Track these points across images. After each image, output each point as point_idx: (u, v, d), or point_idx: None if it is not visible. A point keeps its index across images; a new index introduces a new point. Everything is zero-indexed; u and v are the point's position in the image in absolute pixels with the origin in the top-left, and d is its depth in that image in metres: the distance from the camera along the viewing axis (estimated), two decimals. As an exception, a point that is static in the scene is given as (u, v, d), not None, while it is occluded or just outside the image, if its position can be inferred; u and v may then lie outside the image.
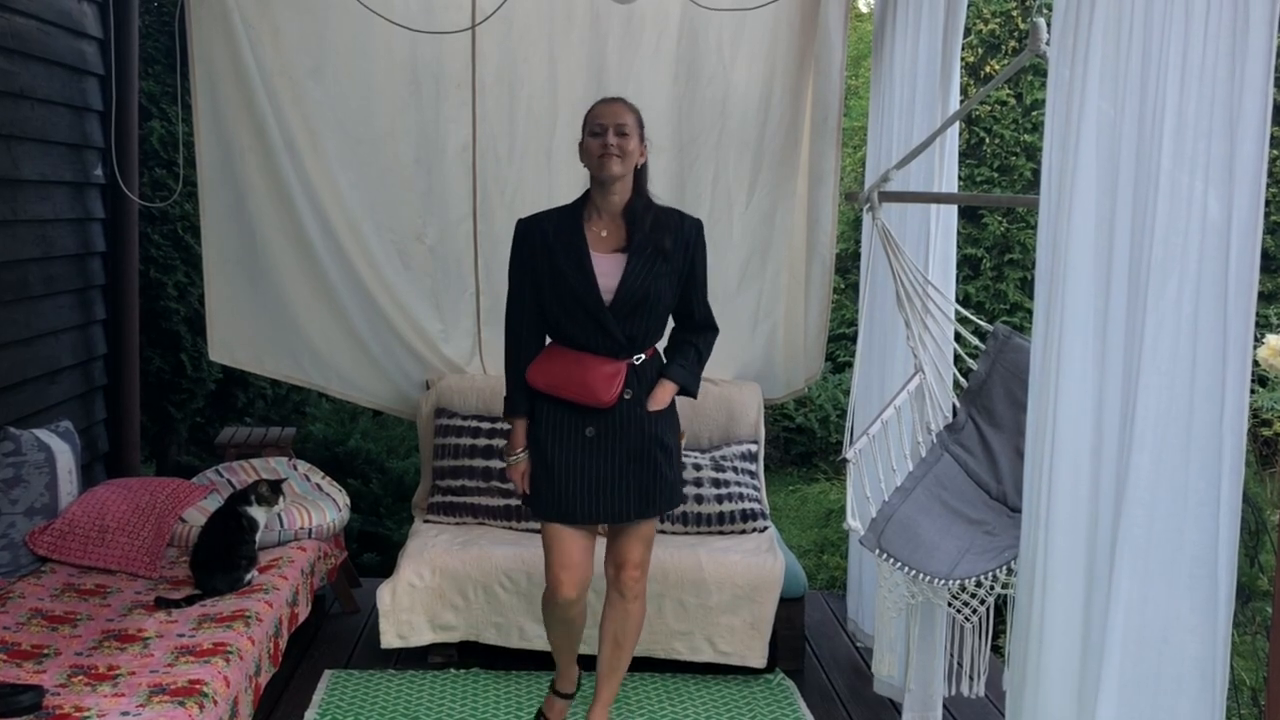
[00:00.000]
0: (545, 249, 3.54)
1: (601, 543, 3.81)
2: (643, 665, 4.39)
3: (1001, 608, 3.55)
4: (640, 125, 3.54)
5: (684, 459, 4.65)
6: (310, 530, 4.52)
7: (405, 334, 5.20)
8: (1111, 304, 2.39)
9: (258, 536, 4.17)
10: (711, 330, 3.76)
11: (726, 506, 4.69)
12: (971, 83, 8.15)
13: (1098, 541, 2.44)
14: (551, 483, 3.59)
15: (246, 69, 4.88)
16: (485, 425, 4.88)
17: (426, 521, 4.83)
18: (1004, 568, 3.34)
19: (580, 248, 3.51)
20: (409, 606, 4.40)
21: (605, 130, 3.47)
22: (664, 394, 3.65)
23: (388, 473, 6.77)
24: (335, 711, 4.10)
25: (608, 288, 3.50)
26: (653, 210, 3.57)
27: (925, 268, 4.04)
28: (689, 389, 3.71)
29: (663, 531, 4.59)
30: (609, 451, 3.58)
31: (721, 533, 4.68)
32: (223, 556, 3.99)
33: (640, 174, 3.57)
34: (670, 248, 3.53)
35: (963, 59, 6.79)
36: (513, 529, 4.72)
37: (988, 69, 8.27)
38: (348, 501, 4.86)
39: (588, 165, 3.53)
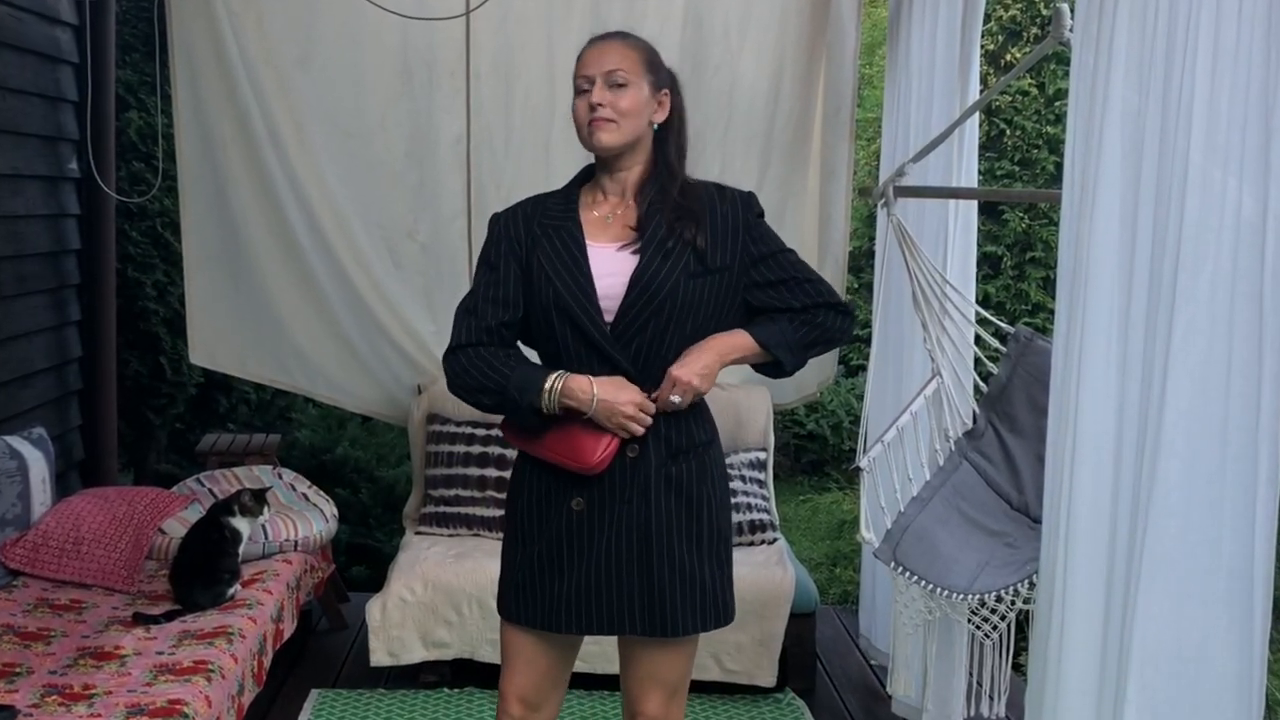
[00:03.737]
0: (530, 244, 2.71)
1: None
2: (646, 684, 4.39)
3: (1023, 624, 3.55)
4: (652, 68, 2.67)
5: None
6: (296, 542, 4.52)
7: (396, 336, 5.20)
8: (1133, 304, 2.39)
9: (241, 549, 4.17)
10: (830, 309, 2.74)
11: (734, 517, 4.69)
12: (991, 72, 8.15)
13: (1120, 554, 2.43)
14: (523, 570, 2.74)
15: (229, 57, 4.88)
16: (480, 432, 4.88)
17: (418, 533, 4.84)
18: (1026, 582, 3.34)
19: (573, 234, 2.67)
20: (400, 622, 4.40)
21: (592, 84, 2.63)
22: (699, 359, 2.63)
23: (377, 482, 6.78)
24: (322, 733, 4.11)
25: (610, 292, 2.63)
26: (678, 186, 2.68)
27: (943, 266, 4.05)
28: (771, 349, 2.70)
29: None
30: (602, 533, 2.66)
31: (728, 545, 4.68)
32: (204, 570, 3.99)
33: (663, 136, 2.72)
34: (705, 242, 2.64)
35: (982, 47, 6.73)
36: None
37: (1008, 57, 8.27)
38: (335, 512, 4.86)
39: (579, 137, 2.70)
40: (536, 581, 2.71)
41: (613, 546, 2.66)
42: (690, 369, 2.62)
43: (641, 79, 2.65)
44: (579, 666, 4.15)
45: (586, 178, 2.78)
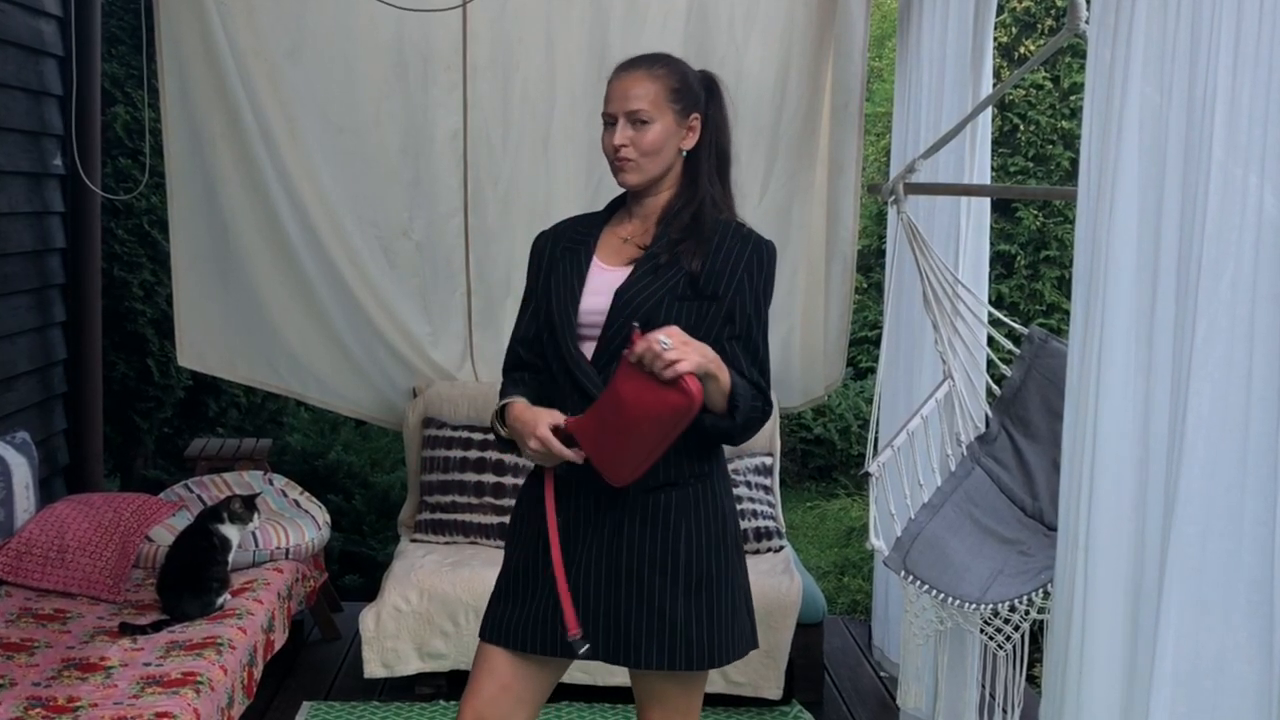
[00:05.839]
0: (550, 265, 2.78)
1: None
2: (648, 697, 4.40)
3: (1037, 634, 3.55)
4: (678, 96, 2.69)
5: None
6: (287, 550, 4.52)
7: (390, 337, 5.20)
8: (1158, 305, 2.39)
9: (230, 557, 4.18)
10: (765, 398, 2.67)
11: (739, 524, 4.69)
12: (1005, 65, 8.15)
13: (1145, 564, 2.43)
14: (499, 587, 2.80)
15: (218, 50, 4.88)
16: (477, 436, 4.88)
17: (413, 540, 4.84)
18: (1040, 591, 3.34)
19: (580, 256, 2.75)
20: (394, 633, 4.41)
21: (615, 121, 2.68)
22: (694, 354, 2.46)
23: (371, 488, 6.78)
24: (314, 747, 4.11)
25: (596, 309, 2.68)
26: (694, 209, 2.71)
27: (955, 266, 4.05)
28: (736, 397, 2.57)
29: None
30: (574, 555, 2.69)
31: (733, 553, 4.68)
32: (192, 579, 3.99)
33: (695, 158, 2.74)
34: (700, 267, 2.64)
35: (996, 39, 6.77)
36: (507, 549, 4.72)
37: (1022, 50, 8.27)
38: (328, 519, 4.87)
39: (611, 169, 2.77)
40: (512, 599, 2.74)
41: (583, 571, 2.67)
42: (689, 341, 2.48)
43: (666, 112, 2.67)
44: (579, 678, 4.20)
45: (623, 200, 2.83)
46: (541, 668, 2.76)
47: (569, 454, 2.57)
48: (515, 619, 2.72)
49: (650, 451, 2.53)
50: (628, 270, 2.69)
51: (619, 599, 2.66)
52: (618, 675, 4.26)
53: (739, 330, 2.67)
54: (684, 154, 2.73)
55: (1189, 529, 2.31)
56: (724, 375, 2.54)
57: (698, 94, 2.74)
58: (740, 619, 2.77)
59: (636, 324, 2.53)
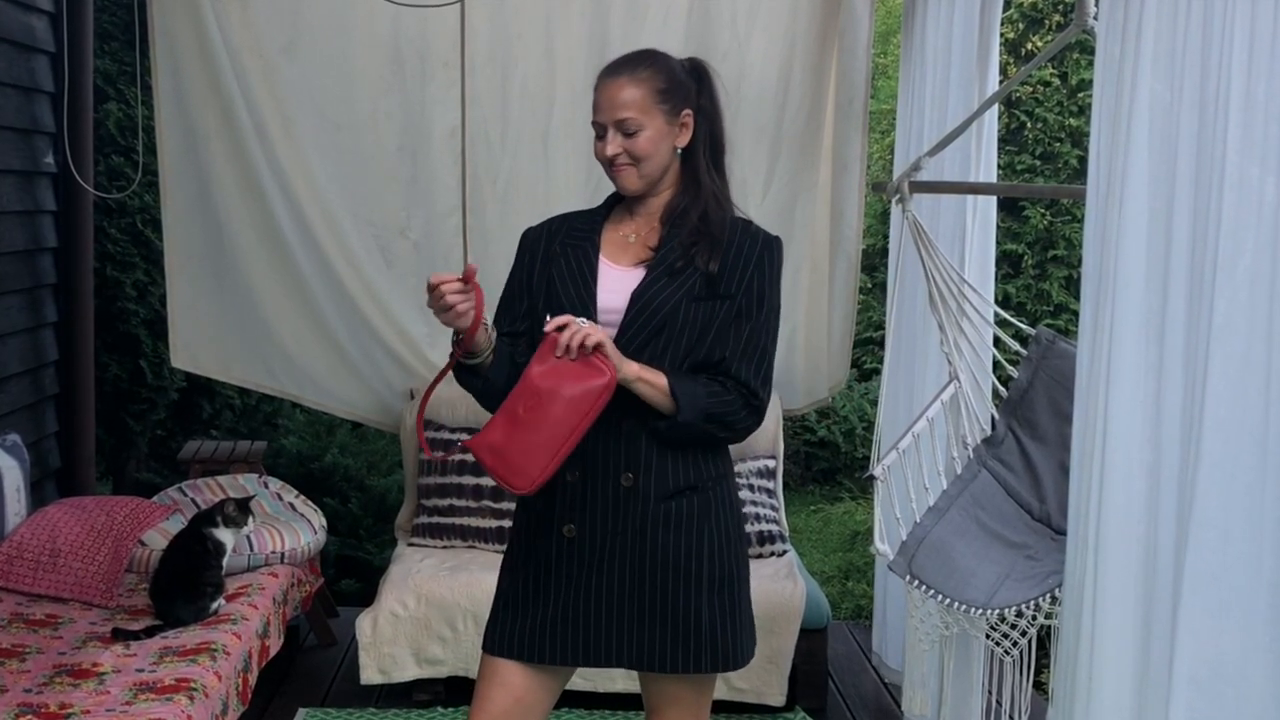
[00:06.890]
0: (546, 259, 2.77)
1: None
2: (649, 703, 4.40)
3: (1044, 640, 3.55)
4: (666, 96, 2.68)
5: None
6: (283, 554, 4.52)
7: (387, 338, 5.20)
8: (1170, 305, 2.39)
9: (225, 561, 4.17)
10: (746, 394, 2.69)
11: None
12: (1012, 61, 8.15)
13: (1158, 568, 2.43)
14: (508, 598, 2.76)
15: (212, 46, 4.88)
16: (475, 438, 4.87)
17: (411, 544, 4.83)
18: (1048, 596, 3.33)
19: (587, 253, 2.74)
20: (392, 638, 4.40)
21: (605, 130, 2.69)
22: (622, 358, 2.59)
23: (368, 491, 6.78)
24: (310, 754, 4.10)
25: (613, 305, 2.68)
26: (701, 207, 2.72)
27: (961, 265, 4.04)
28: (677, 396, 2.61)
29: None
30: (592, 563, 2.68)
31: (736, 557, 4.67)
32: (186, 583, 3.99)
33: (691, 153, 2.74)
34: (717, 268, 2.66)
35: (1002, 35, 6.75)
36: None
37: (1029, 46, 8.27)
38: (324, 522, 4.86)
39: (607, 175, 2.78)
40: (519, 609, 2.72)
41: (603, 578, 2.68)
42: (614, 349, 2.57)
43: (655, 115, 2.67)
44: (580, 685, 4.19)
45: (621, 197, 2.81)
46: (552, 676, 2.77)
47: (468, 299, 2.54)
48: (525, 629, 2.70)
49: (563, 445, 2.57)
50: (639, 270, 2.70)
51: (642, 605, 2.67)
52: (618, 681, 4.26)
53: (744, 336, 2.69)
54: (680, 151, 2.73)
55: (1208, 532, 2.30)
56: (650, 375, 2.61)
57: (687, 88, 2.73)
58: (752, 619, 2.82)
59: (549, 314, 2.59)
